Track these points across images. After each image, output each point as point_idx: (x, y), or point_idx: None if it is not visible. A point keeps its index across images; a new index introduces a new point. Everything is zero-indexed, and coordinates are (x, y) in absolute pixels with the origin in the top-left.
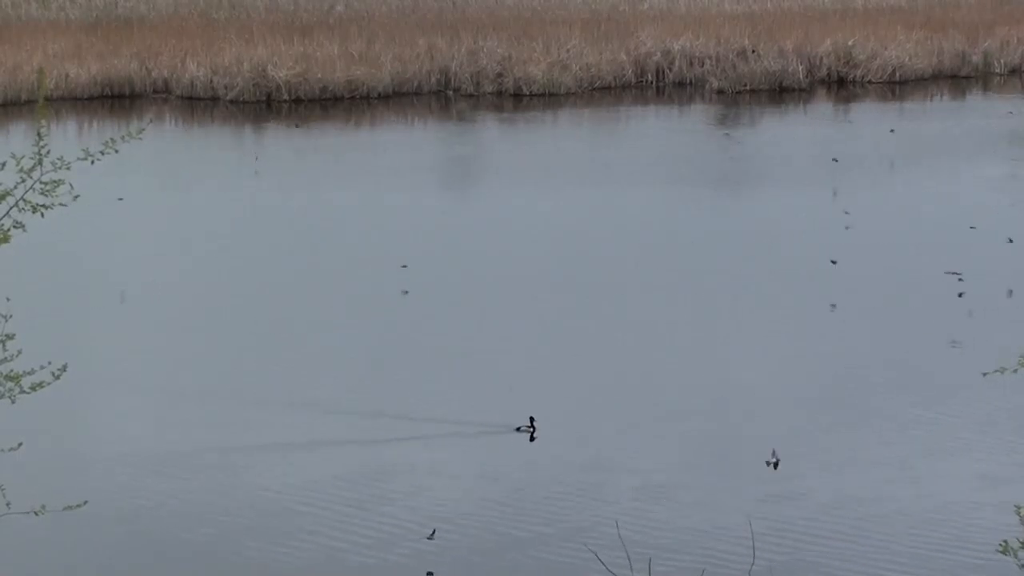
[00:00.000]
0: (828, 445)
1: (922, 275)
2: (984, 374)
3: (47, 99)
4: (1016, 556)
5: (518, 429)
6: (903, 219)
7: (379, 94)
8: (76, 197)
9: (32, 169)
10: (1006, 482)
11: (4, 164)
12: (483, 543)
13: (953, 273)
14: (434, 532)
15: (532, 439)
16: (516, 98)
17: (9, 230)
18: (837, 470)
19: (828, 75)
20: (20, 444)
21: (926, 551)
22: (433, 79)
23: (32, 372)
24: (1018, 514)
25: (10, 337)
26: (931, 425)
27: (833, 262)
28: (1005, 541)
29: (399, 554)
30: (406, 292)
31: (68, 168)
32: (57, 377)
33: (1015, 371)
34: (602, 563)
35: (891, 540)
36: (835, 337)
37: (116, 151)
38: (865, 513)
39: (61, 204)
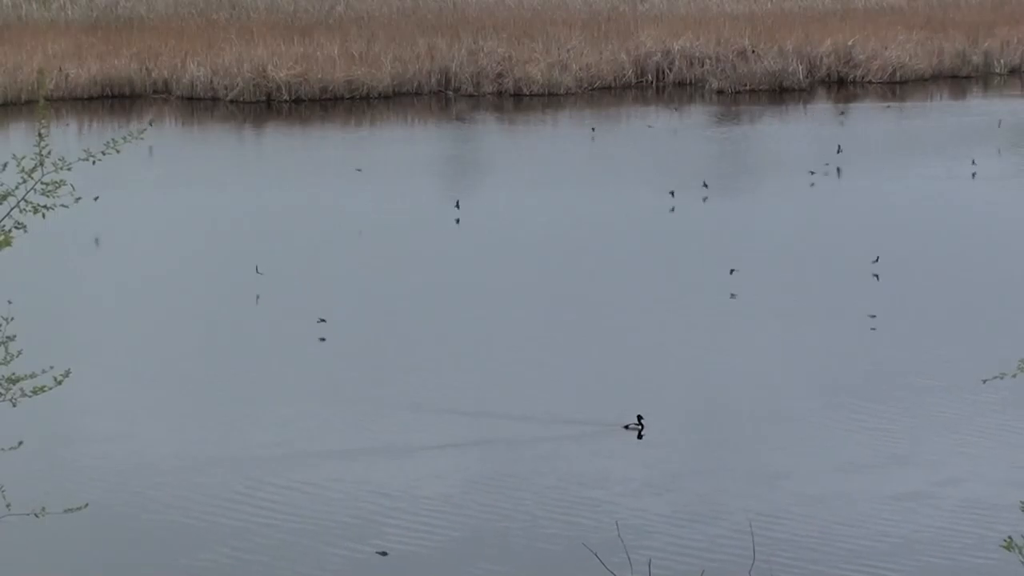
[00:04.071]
0: (829, 445)
1: (923, 271)
2: (984, 380)
3: (47, 99)
4: (1020, 552)
5: (626, 427)
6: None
7: (379, 94)
8: (78, 199)
9: (33, 170)
10: (1006, 480)
11: (5, 165)
12: (481, 541)
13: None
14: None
15: (640, 436)
16: (516, 98)
17: (11, 231)
18: (837, 470)
19: (828, 75)
20: (20, 443)
21: (927, 550)
22: (433, 79)
23: (34, 375)
24: (1023, 511)
25: (11, 339)
26: (932, 424)
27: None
28: (1009, 537)
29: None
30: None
31: (69, 169)
32: (59, 382)
33: (1014, 376)
34: (602, 563)
35: (891, 539)
36: (838, 335)
37: (117, 151)
38: (865, 513)
39: (63, 205)
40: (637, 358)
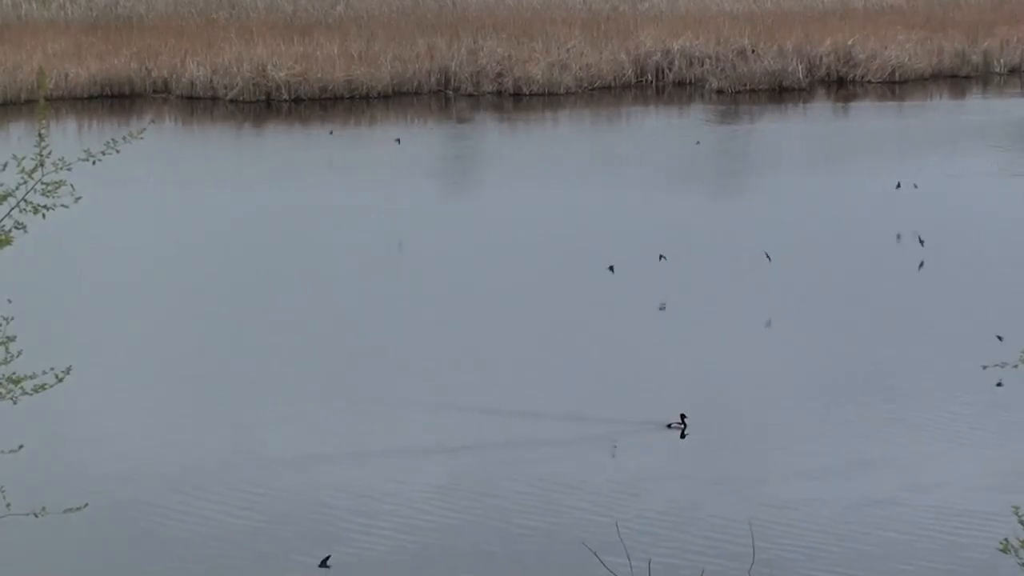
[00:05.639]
0: (829, 445)
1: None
2: (984, 367)
3: (47, 99)
4: (1017, 554)
5: (669, 426)
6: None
7: (379, 94)
8: (78, 199)
9: (33, 170)
10: (1005, 481)
11: (5, 165)
12: (480, 541)
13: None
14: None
15: (683, 436)
16: (516, 98)
17: (11, 231)
18: (838, 471)
19: (828, 75)
20: (21, 446)
21: (926, 550)
22: (433, 79)
23: (34, 376)
24: (1016, 514)
25: (12, 339)
26: (930, 425)
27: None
28: (1006, 539)
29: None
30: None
31: (69, 169)
32: (60, 380)
33: (1015, 366)
34: (602, 563)
35: (890, 539)
36: (839, 334)
37: (117, 151)
38: (865, 513)
39: (63, 205)
40: (636, 359)
